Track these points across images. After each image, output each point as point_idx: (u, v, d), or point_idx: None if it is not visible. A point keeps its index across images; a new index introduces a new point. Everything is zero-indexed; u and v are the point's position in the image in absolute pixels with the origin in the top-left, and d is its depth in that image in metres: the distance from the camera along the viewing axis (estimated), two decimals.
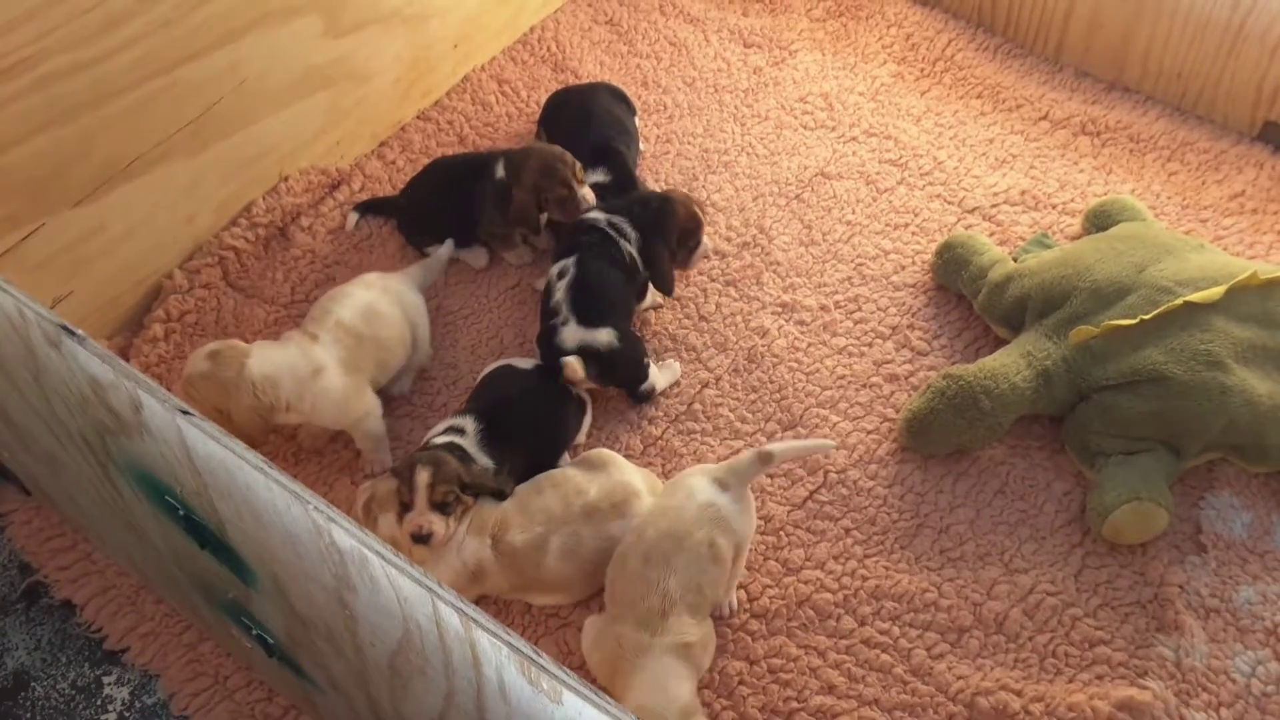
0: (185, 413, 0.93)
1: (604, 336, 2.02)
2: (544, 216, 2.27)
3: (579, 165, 2.23)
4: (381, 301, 2.05)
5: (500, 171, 2.26)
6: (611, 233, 2.13)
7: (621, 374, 2.07)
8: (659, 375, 2.13)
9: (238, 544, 1.11)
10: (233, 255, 2.32)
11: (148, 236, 2.20)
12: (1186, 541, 1.90)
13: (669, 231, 2.14)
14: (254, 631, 1.40)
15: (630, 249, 2.14)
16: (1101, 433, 1.93)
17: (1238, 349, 1.92)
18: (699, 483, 1.72)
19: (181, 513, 1.16)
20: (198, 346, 2.17)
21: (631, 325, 2.14)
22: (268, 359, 1.87)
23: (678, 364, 2.19)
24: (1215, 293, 1.94)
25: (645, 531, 1.68)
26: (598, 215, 2.16)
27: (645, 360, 2.10)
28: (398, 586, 0.85)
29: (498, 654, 0.80)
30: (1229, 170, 2.56)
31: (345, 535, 0.85)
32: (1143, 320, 1.93)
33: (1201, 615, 1.81)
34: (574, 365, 1.97)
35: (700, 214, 2.19)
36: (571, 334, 2.01)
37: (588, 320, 2.02)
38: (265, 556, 1.07)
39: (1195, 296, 1.94)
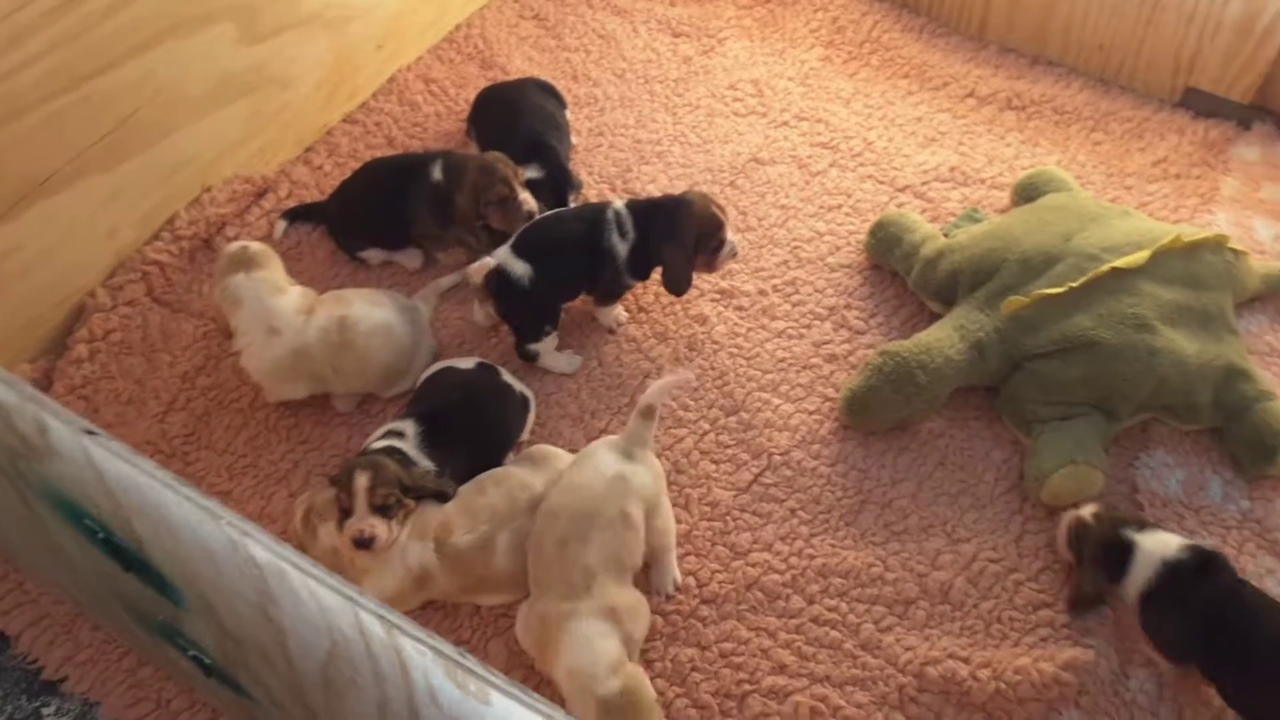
0: (91, 433, 0.90)
1: (520, 269, 2.05)
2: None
3: (519, 170, 2.21)
4: (395, 324, 2.07)
5: (437, 173, 2.24)
6: (609, 218, 2.11)
7: (516, 314, 2.11)
8: (549, 350, 2.14)
9: (160, 564, 1.09)
10: (157, 270, 2.27)
11: (67, 254, 2.14)
12: (1123, 501, 1.94)
13: (684, 233, 2.09)
14: (189, 652, 1.37)
15: (617, 243, 2.10)
16: (1036, 400, 1.95)
17: (1164, 311, 1.96)
18: (604, 457, 1.74)
19: (101, 535, 1.13)
20: (125, 367, 2.14)
21: (559, 291, 2.12)
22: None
23: (579, 359, 2.18)
24: (1140, 257, 1.98)
25: (558, 514, 1.69)
26: (614, 201, 2.16)
27: (545, 327, 2.11)
28: (319, 598, 0.83)
29: (423, 659, 0.79)
30: (1152, 137, 2.61)
31: (262, 549, 0.83)
32: (1071, 288, 1.96)
33: None
34: (481, 267, 2.05)
35: (720, 214, 2.13)
36: (502, 251, 2.08)
37: (519, 249, 2.08)
38: (188, 575, 1.05)
39: (1121, 262, 1.97)
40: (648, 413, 1.76)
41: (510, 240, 2.11)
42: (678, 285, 2.15)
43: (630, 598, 1.67)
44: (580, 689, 1.54)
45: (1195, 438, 2.02)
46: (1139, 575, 1.68)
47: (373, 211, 2.30)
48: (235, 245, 2.05)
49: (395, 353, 2.06)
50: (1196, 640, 1.63)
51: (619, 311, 2.25)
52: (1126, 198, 2.45)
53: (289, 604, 0.90)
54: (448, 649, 0.76)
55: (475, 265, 2.08)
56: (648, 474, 1.76)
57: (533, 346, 2.12)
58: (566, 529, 1.66)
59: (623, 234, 2.11)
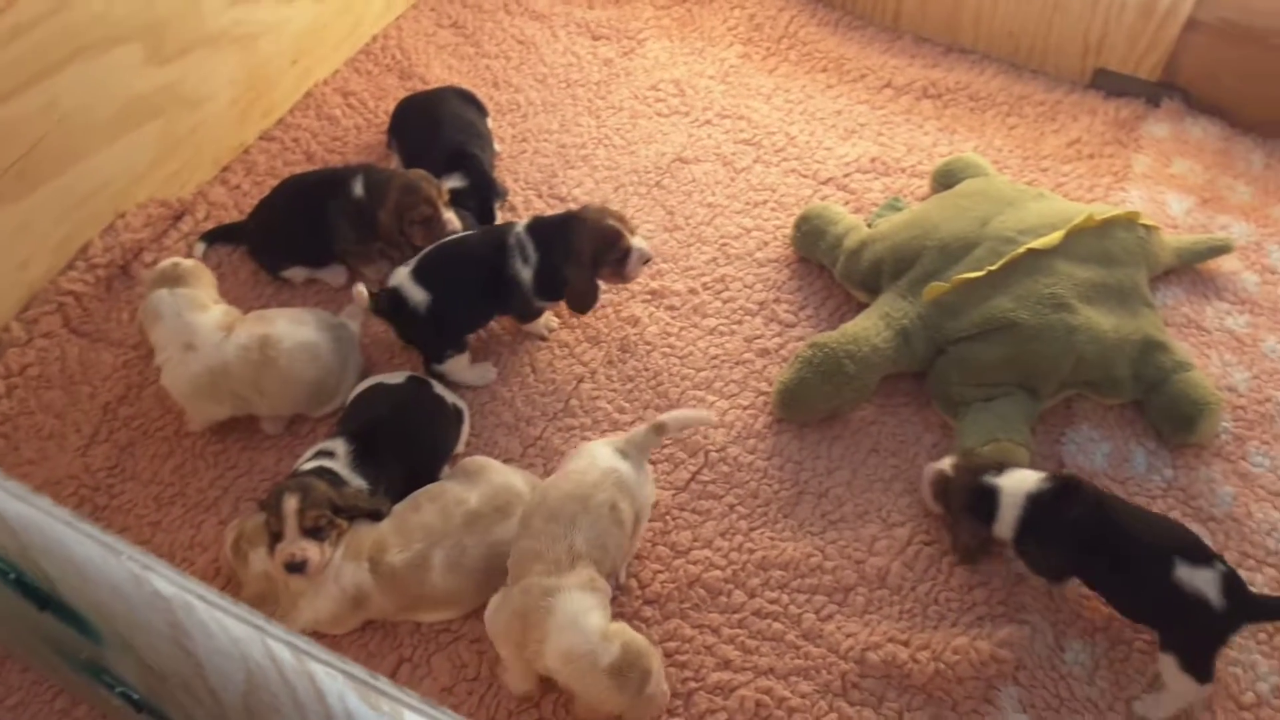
0: None
1: (418, 296, 2.03)
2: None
3: (442, 187, 2.19)
4: (320, 345, 2.03)
5: (359, 189, 2.21)
6: (512, 243, 2.07)
7: (415, 339, 2.11)
8: (460, 367, 2.11)
9: (74, 602, 1.06)
10: (72, 300, 2.22)
11: None
12: None
13: (579, 251, 2.04)
14: (117, 689, 1.34)
15: (520, 269, 2.06)
16: (961, 383, 1.99)
17: (1081, 289, 2.00)
18: (601, 450, 1.75)
19: (12, 575, 1.10)
20: (44, 401, 2.08)
21: (459, 319, 2.09)
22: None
23: (493, 372, 2.17)
24: (1055, 238, 2.02)
25: (548, 493, 1.68)
26: (518, 223, 2.11)
27: (447, 351, 2.08)
28: (227, 629, 0.82)
29: (336, 684, 0.78)
30: (1065, 119, 2.67)
31: (166, 583, 0.82)
32: (990, 271, 2.00)
33: None
34: (360, 292, 2.01)
35: (617, 224, 2.05)
36: (401, 275, 2.05)
37: (418, 275, 2.05)
38: (102, 613, 1.03)
39: (1036, 243, 2.01)
40: (659, 429, 1.78)
41: (410, 263, 2.06)
42: (579, 303, 2.12)
43: (604, 583, 1.65)
44: (583, 669, 1.52)
45: (1118, 411, 2.07)
46: (1007, 514, 1.75)
47: (293, 229, 2.27)
48: (168, 261, 2.07)
49: (321, 371, 2.03)
50: (1072, 559, 1.74)
51: (545, 319, 2.23)
52: (1043, 179, 2.50)
53: (200, 636, 0.88)
54: (358, 671, 0.76)
55: (357, 288, 2.02)
56: (641, 481, 1.76)
57: (437, 367, 2.10)
58: (556, 508, 1.65)
59: (525, 258, 2.06)
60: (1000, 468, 1.80)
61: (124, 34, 2.17)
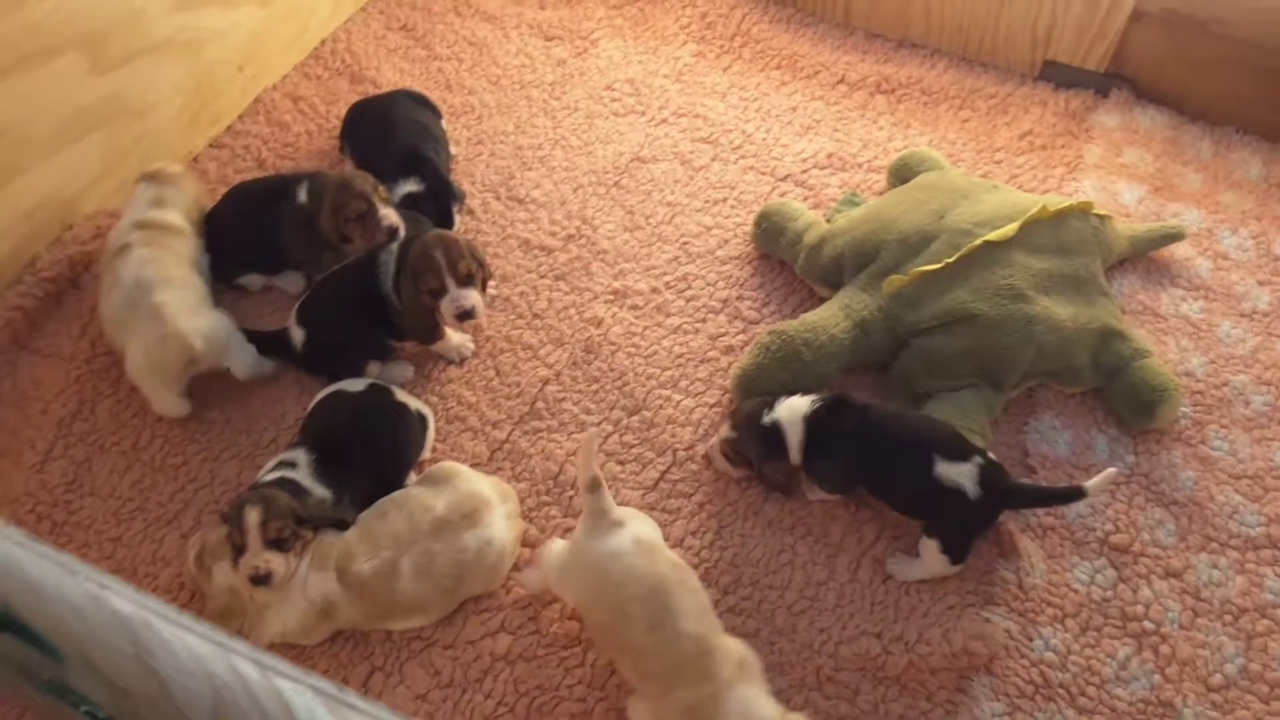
0: None
1: (297, 335, 2.09)
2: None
3: (380, 186, 2.16)
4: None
5: (303, 195, 2.18)
6: (380, 264, 2.05)
7: (306, 368, 2.13)
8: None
9: (31, 622, 1.02)
10: (20, 315, 2.16)
11: None
12: (1016, 466, 1.99)
13: (408, 275, 2.01)
14: (83, 709, 1.30)
15: (385, 283, 2.05)
16: (923, 375, 2.00)
17: (1037, 280, 2.02)
18: (613, 542, 1.60)
19: None
20: None
21: (342, 349, 2.08)
22: None
23: (410, 369, 2.15)
24: (1010, 229, 2.04)
25: (628, 608, 1.54)
26: (392, 245, 2.09)
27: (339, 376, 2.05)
28: (189, 646, 0.80)
29: (304, 698, 0.76)
30: (1016, 111, 2.70)
31: (124, 601, 0.79)
32: (947, 264, 2.01)
33: (1039, 534, 1.90)
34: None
35: (438, 258, 1.97)
36: (292, 317, 2.11)
37: (299, 316, 2.10)
38: (61, 632, 0.99)
39: (992, 235, 2.03)
40: (594, 485, 1.62)
41: (298, 304, 2.12)
42: (415, 333, 2.10)
43: (737, 642, 1.57)
44: None
45: (1080, 399, 2.09)
46: (793, 441, 1.85)
47: (244, 237, 2.23)
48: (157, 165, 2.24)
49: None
50: (853, 469, 1.86)
51: (457, 344, 2.17)
52: (997, 172, 2.53)
53: (163, 654, 0.86)
54: (326, 686, 0.74)
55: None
56: (647, 524, 1.69)
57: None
58: (650, 615, 1.53)
59: (386, 272, 2.05)
60: (770, 404, 1.89)
61: (64, 43, 2.12)
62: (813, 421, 1.84)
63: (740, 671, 1.52)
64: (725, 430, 1.93)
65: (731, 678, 1.50)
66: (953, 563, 1.80)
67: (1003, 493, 1.78)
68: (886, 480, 1.85)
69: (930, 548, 1.79)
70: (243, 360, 2.06)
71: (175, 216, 2.17)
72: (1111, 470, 1.76)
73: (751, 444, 1.88)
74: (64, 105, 2.16)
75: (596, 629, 1.65)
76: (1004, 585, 1.83)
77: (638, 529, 1.64)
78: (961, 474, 1.74)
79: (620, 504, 1.93)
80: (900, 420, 1.86)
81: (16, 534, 0.83)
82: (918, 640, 1.74)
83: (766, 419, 1.87)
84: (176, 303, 1.98)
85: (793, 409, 1.86)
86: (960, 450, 1.77)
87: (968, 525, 1.80)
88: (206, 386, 2.11)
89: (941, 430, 1.82)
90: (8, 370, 2.12)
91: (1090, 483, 1.75)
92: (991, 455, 1.79)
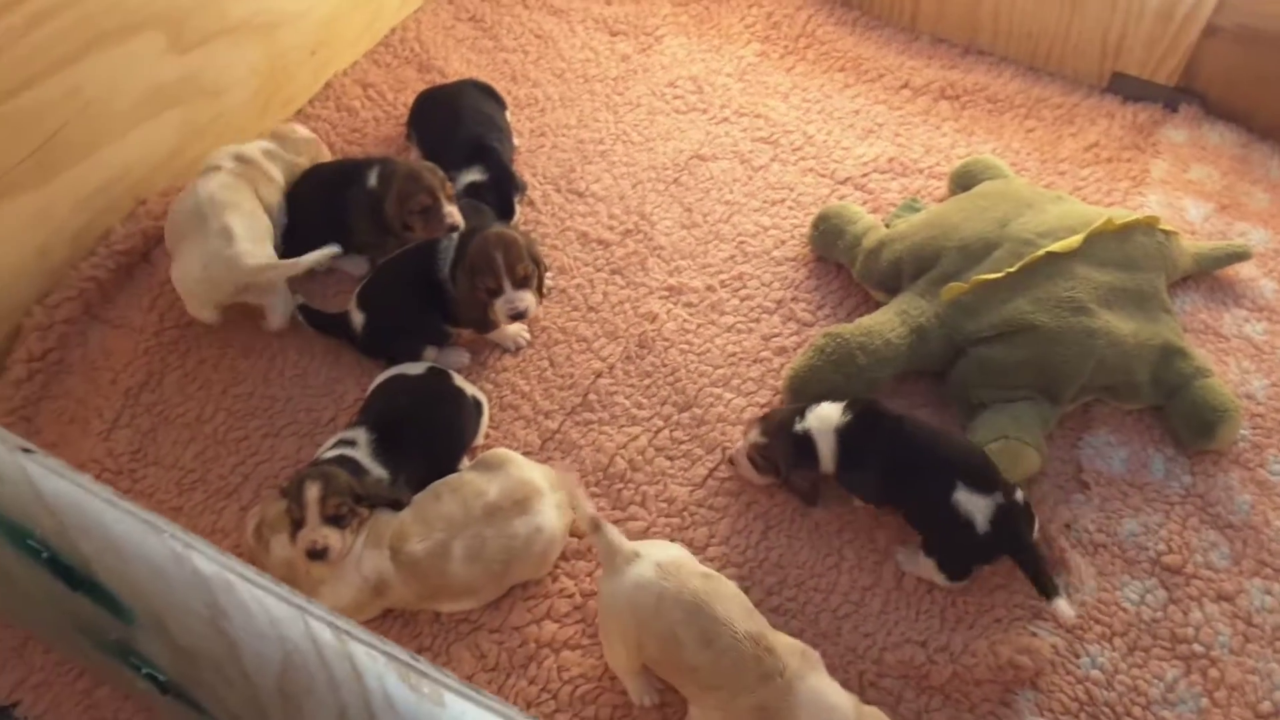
0: (28, 450, 0.88)
1: (357, 318, 2.12)
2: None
3: (448, 181, 2.19)
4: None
5: (373, 180, 2.22)
6: (440, 251, 2.10)
7: (364, 351, 2.16)
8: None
9: (107, 581, 1.06)
10: (94, 286, 2.22)
11: (0, 274, 2.09)
12: (1069, 481, 1.98)
13: (466, 267, 2.04)
14: (144, 670, 1.34)
15: (443, 270, 2.08)
16: (980, 385, 1.99)
17: (1100, 293, 2.00)
18: (635, 575, 1.57)
19: (45, 555, 1.11)
20: (65, 386, 2.09)
21: (400, 332, 2.11)
22: None
23: (466, 355, 2.18)
24: (1075, 241, 2.02)
25: (675, 633, 1.52)
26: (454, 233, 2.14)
27: (396, 359, 2.09)
28: (268, 608, 0.82)
29: (376, 664, 0.79)
30: (1082, 123, 2.67)
31: (207, 561, 0.82)
32: (1009, 273, 2.00)
33: (1090, 550, 1.88)
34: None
35: (497, 259, 2.00)
36: (353, 300, 2.14)
37: (359, 300, 2.13)
38: (136, 592, 1.03)
39: (1056, 246, 2.01)
40: (595, 525, 1.59)
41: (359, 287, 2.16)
42: (468, 321, 2.12)
43: (788, 637, 1.58)
44: None
45: (1137, 416, 2.06)
46: (825, 452, 1.85)
47: (315, 216, 2.27)
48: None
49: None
50: (884, 480, 1.85)
51: (513, 333, 2.20)
52: (1060, 183, 2.50)
53: (239, 616, 0.88)
54: (399, 653, 0.76)
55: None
56: (665, 547, 1.67)
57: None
58: (701, 629, 1.51)
59: (446, 261, 2.08)
60: (800, 413, 1.88)
61: (144, 22, 2.17)
62: (844, 432, 1.84)
63: (805, 661, 1.52)
64: (755, 435, 1.92)
65: (798, 668, 1.50)
66: (950, 580, 1.81)
67: (1010, 539, 1.76)
68: (907, 490, 1.84)
69: (928, 564, 1.80)
70: (281, 310, 2.17)
71: (276, 170, 2.30)
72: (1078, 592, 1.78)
73: (782, 451, 1.88)
74: (142, 83, 2.22)
75: (653, 663, 1.61)
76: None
77: (657, 554, 1.60)
78: (978, 507, 1.73)
79: (668, 499, 1.95)
80: (934, 439, 1.85)
81: (105, 491, 0.86)
82: (963, 651, 1.73)
83: (798, 428, 1.86)
84: (246, 230, 2.08)
85: (824, 419, 1.85)
86: (986, 483, 1.75)
87: (967, 556, 1.80)
88: (269, 364, 2.16)
89: (974, 458, 1.81)
90: (78, 340, 2.18)
91: (1065, 609, 1.72)
92: (1020, 496, 1.77)
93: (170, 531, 0.82)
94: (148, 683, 1.38)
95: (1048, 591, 1.73)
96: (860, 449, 1.83)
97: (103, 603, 1.16)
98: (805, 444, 1.85)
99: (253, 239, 2.09)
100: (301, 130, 2.42)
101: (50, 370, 2.12)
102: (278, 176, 2.29)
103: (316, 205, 2.28)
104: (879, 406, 1.88)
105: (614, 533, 1.61)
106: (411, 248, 2.16)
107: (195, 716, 1.44)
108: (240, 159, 2.22)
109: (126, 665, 1.39)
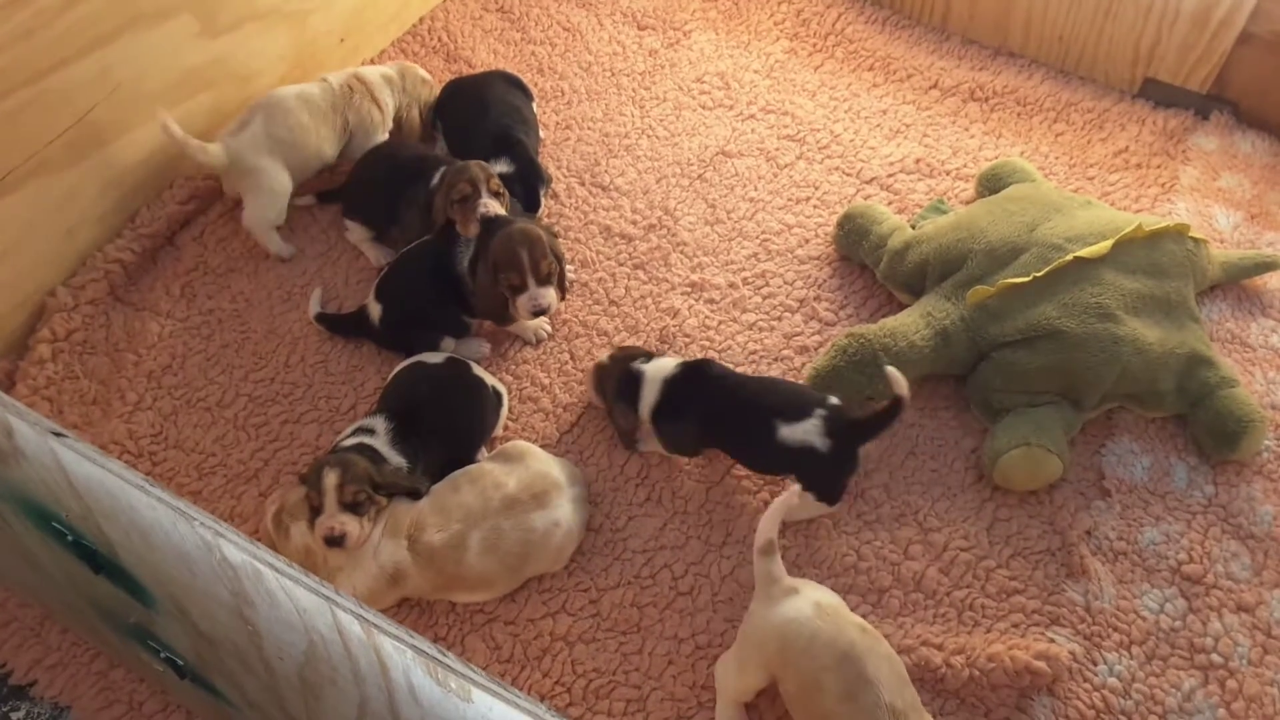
0: (59, 434, 0.88)
1: (374, 310, 2.13)
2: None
3: (493, 174, 2.18)
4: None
5: (436, 179, 2.20)
6: (460, 244, 2.10)
7: (383, 343, 2.17)
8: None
9: (131, 566, 1.07)
10: (119, 268, 2.23)
11: (26, 254, 2.10)
12: (1091, 488, 1.96)
13: (487, 262, 2.04)
14: (162, 654, 1.35)
15: (460, 263, 2.09)
16: (1003, 389, 1.98)
17: (1127, 300, 1.99)
18: (791, 609, 1.55)
19: (70, 538, 1.11)
20: (89, 367, 2.10)
21: (416, 325, 2.12)
22: None
23: (486, 346, 2.19)
24: (1103, 247, 2.00)
25: (820, 678, 1.47)
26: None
27: (411, 350, 2.09)
28: (295, 598, 0.82)
29: (403, 658, 0.79)
30: (1112, 128, 2.64)
31: (236, 550, 0.82)
32: (1035, 277, 1.98)
33: (1110, 558, 1.87)
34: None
35: (521, 256, 1.99)
36: (371, 292, 2.16)
37: (378, 291, 2.14)
38: (160, 577, 1.03)
39: (1084, 252, 2.00)
40: (768, 549, 1.58)
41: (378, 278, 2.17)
42: (486, 314, 2.13)
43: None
44: None
45: (1160, 425, 2.05)
46: (647, 397, 1.91)
47: (376, 189, 2.29)
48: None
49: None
50: (702, 433, 1.90)
51: (534, 325, 2.20)
52: (1089, 188, 2.48)
53: (264, 605, 0.89)
54: (427, 646, 0.76)
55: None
56: (825, 590, 1.64)
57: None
58: (844, 683, 1.45)
59: (464, 252, 2.09)
60: (649, 356, 1.96)
61: (177, 5, 2.18)
62: (670, 383, 1.90)
63: None
64: (605, 355, 2.00)
65: None
66: (830, 505, 1.87)
67: (851, 434, 1.80)
68: (737, 446, 1.89)
69: (808, 497, 1.83)
70: (275, 247, 2.31)
71: (388, 96, 2.44)
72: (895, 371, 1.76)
73: (612, 381, 1.95)
74: (174, 66, 2.23)
75: (788, 698, 1.56)
76: (1071, 607, 1.81)
77: (816, 595, 1.58)
78: (805, 431, 1.78)
79: (684, 497, 1.95)
80: (746, 386, 1.89)
81: (136, 477, 0.86)
82: (980, 655, 1.72)
83: (635, 366, 1.93)
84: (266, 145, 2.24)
85: (659, 368, 1.92)
86: (799, 409, 1.80)
87: (830, 474, 1.84)
88: (290, 350, 2.17)
89: (782, 391, 1.87)
90: (102, 321, 2.19)
91: (897, 381, 1.74)
92: (833, 399, 1.83)
93: (201, 520, 0.82)
94: (166, 666, 1.39)
95: (896, 409, 1.75)
96: (678, 401, 1.89)
97: (125, 587, 1.16)
98: (633, 382, 1.92)
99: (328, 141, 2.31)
100: (422, 72, 2.54)
101: (74, 351, 2.13)
102: (389, 102, 2.43)
103: (380, 183, 2.29)
104: (709, 364, 1.92)
105: (779, 564, 1.61)
106: (428, 240, 2.16)
107: (212, 700, 1.45)
108: (358, 77, 2.38)
109: (145, 648, 1.40)
